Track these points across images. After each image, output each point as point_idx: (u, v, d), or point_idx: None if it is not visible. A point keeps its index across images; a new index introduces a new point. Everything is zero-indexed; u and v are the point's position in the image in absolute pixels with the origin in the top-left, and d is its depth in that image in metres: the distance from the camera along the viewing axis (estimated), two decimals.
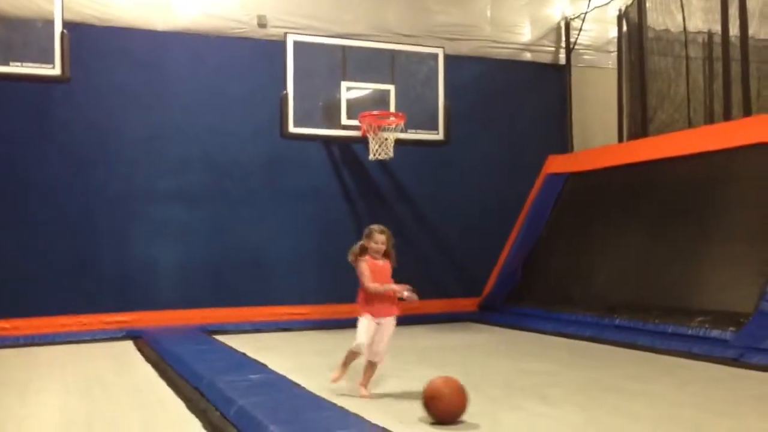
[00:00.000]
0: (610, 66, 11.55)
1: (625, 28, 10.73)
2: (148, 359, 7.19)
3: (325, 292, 10.08)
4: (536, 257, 10.54)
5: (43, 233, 8.93)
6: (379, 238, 5.32)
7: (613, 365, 6.70)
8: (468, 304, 10.70)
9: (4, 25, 7.95)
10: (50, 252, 8.93)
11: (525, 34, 11.60)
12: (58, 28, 8.08)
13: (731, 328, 6.97)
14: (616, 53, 11.07)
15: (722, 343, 6.85)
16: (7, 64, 7.87)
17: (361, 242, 5.33)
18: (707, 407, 4.75)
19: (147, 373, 6.57)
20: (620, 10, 10.77)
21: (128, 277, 9.25)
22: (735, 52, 8.87)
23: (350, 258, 5.37)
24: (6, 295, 8.64)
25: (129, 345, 8.27)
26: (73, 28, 8.35)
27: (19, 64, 7.92)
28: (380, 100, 9.83)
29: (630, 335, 7.80)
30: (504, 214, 10.93)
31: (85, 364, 7.13)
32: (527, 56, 11.61)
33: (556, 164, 10.85)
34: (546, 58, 11.73)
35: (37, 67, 7.99)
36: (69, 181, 9.10)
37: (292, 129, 9.39)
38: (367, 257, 5.28)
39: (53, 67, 8.03)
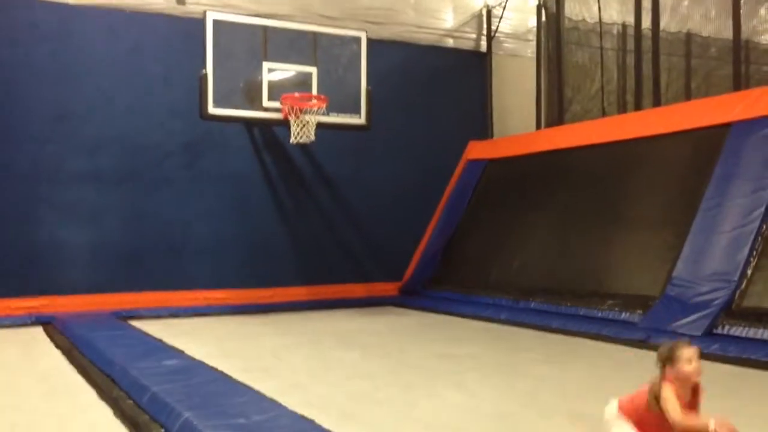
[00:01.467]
0: (529, 55, 11.78)
1: (544, 17, 10.95)
2: (58, 346, 6.93)
3: (244, 276, 9.97)
4: (456, 242, 10.70)
5: None
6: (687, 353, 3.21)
7: (528, 347, 6.88)
8: (389, 288, 10.79)
9: None
10: None
11: (447, 20, 11.69)
12: None
13: (639, 311, 7.28)
14: (535, 42, 11.31)
15: (631, 326, 7.14)
16: None
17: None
18: (616, 388, 4.94)
19: (57, 360, 6.35)
20: (539, 0, 10.98)
21: (37, 260, 8.87)
22: (647, 45, 9.20)
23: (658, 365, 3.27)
24: None
25: (38, 331, 7.96)
26: None
27: None
28: (302, 82, 9.69)
29: (544, 318, 8.02)
30: (425, 199, 11.04)
31: None
32: (449, 43, 11.71)
33: (476, 150, 11.02)
34: (468, 45, 11.86)
35: None
36: None
37: (211, 110, 9.16)
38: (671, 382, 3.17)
39: None
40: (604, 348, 6.75)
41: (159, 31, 9.66)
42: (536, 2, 11.12)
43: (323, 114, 9.48)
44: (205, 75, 9.06)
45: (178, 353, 6.07)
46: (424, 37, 11.41)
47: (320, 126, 9.44)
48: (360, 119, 9.98)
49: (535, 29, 11.41)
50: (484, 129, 11.66)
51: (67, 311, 8.60)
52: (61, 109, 9.12)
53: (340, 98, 9.76)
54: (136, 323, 8.15)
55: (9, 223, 8.79)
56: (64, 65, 9.17)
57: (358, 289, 10.45)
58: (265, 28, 9.58)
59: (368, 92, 9.97)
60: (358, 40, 10.07)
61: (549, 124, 10.60)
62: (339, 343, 7.21)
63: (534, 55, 11.28)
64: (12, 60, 8.84)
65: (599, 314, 7.61)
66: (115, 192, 9.36)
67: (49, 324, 8.14)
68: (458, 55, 11.71)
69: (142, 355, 5.78)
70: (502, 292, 9.06)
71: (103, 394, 4.94)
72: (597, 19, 10.15)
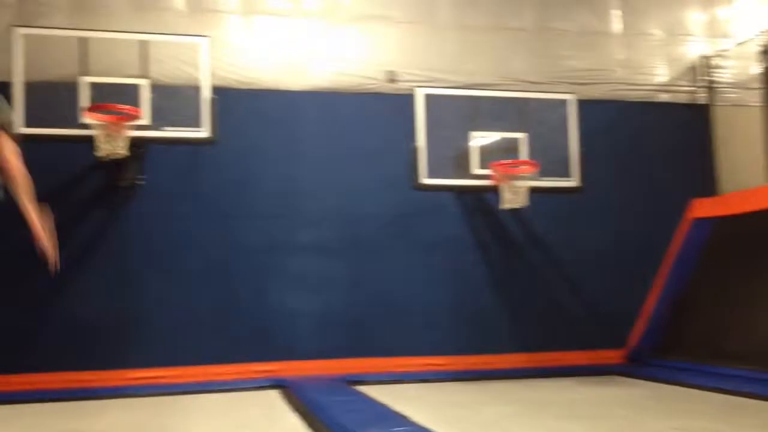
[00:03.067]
0: (753, 104, 10.98)
1: None
2: (294, 409, 7.32)
3: (461, 343, 10.00)
4: (685, 307, 9.99)
5: (191, 284, 9.40)
6: None
7: None
8: (612, 356, 10.27)
9: (158, 92, 8.55)
10: (198, 303, 9.38)
11: (660, 74, 11.27)
12: (206, 94, 8.61)
13: None
14: (760, 90, 10.54)
15: None
16: (162, 128, 8.44)
17: None
18: None
19: (294, 422, 6.70)
20: (763, 46, 10.28)
21: (270, 327, 9.53)
22: None
23: None
24: (162, 345, 9.14)
25: (276, 394, 8.47)
26: (218, 92, 8.87)
27: (172, 128, 8.48)
28: (511, 148, 9.77)
29: None
30: (645, 261, 10.50)
31: (236, 412, 7.36)
32: (664, 97, 11.25)
33: (701, 208, 10.33)
34: (683, 99, 11.31)
35: (188, 131, 8.52)
36: (214, 235, 9.56)
37: (424, 180, 9.48)
38: None
39: (202, 131, 8.54)
40: None
41: (373, 108, 10.22)
42: (759, 48, 10.41)
43: (534, 179, 9.44)
44: (417, 147, 9.41)
45: (405, 420, 6.16)
46: (635, 94, 11.07)
47: (532, 190, 9.41)
48: (572, 181, 9.82)
49: (758, 76, 10.65)
50: (706, 185, 10.94)
51: (300, 375, 9.11)
52: (288, 187, 9.87)
53: (550, 161, 9.69)
54: (362, 388, 8.42)
55: (248, 293, 9.56)
56: (289, 146, 9.96)
57: (578, 357, 10.06)
58: (472, 99, 9.83)
59: (580, 154, 9.80)
60: (566, 102, 10.01)
61: None
62: (563, 414, 6.94)
63: (760, 104, 10.50)
64: (245, 146, 9.75)
65: None
66: (337, 262, 9.88)
67: (284, 387, 8.63)
68: (673, 109, 11.19)
69: (372, 421, 5.94)
70: (744, 362, 8.27)
71: None
72: None
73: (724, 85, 11.29)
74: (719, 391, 7.92)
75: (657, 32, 11.34)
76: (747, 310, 8.90)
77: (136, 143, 8.39)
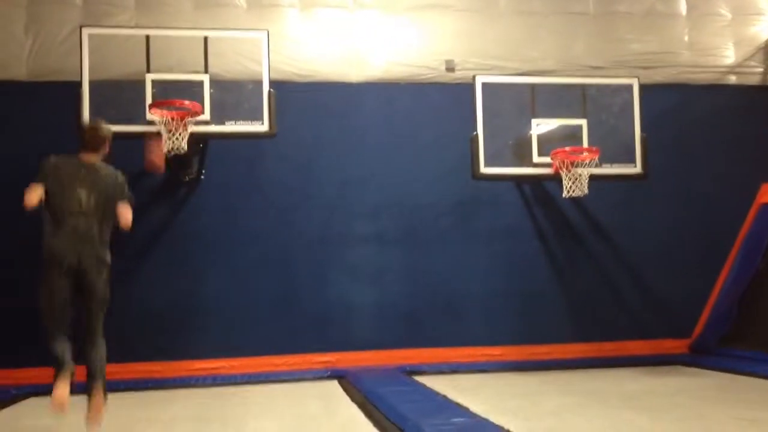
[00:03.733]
0: None
1: None
2: (353, 399, 7.42)
3: (519, 333, 9.92)
4: (753, 294, 9.67)
5: (251, 276, 9.58)
6: None
7: None
8: (676, 345, 10.04)
9: (218, 87, 8.71)
10: (257, 294, 9.55)
11: (728, 56, 10.87)
12: (265, 87, 8.73)
13: None
14: None
15: None
16: (222, 123, 8.61)
17: None
18: None
19: (353, 412, 6.79)
20: None
21: (328, 318, 9.65)
22: None
23: None
24: (224, 336, 9.37)
25: (334, 384, 8.59)
26: (277, 86, 8.96)
27: (233, 123, 8.63)
28: (572, 135, 9.58)
29: None
30: (711, 248, 10.21)
31: (296, 402, 7.51)
32: (732, 79, 10.86)
33: None
34: (754, 80, 10.89)
35: (248, 125, 8.66)
36: (273, 227, 9.71)
37: (483, 169, 9.39)
38: None
39: (262, 124, 8.66)
40: None
41: (431, 98, 10.19)
42: None
43: (596, 166, 9.26)
44: (476, 136, 9.35)
45: (464, 410, 6.18)
46: (701, 77, 10.71)
47: (593, 178, 9.21)
48: (635, 168, 9.57)
49: None
50: None
51: (358, 365, 9.22)
52: (346, 177, 9.95)
53: (612, 148, 9.46)
54: (420, 378, 8.47)
55: (307, 284, 9.70)
56: (348, 137, 10.03)
57: (641, 346, 9.87)
58: (532, 86, 9.67)
59: (643, 139, 9.57)
60: (629, 87, 9.75)
61: None
62: (626, 405, 6.83)
63: None
64: (304, 139, 9.86)
65: None
66: (394, 252, 9.92)
67: (343, 378, 8.75)
68: (743, 92, 10.79)
69: (431, 411, 5.98)
70: None
71: None
72: None
73: None
74: None
75: (724, 12, 10.95)
76: None
77: (197, 138, 8.58)
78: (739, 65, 10.89)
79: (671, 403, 6.87)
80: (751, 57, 10.92)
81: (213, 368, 9.12)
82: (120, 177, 5.87)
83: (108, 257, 5.69)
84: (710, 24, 10.89)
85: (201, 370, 9.09)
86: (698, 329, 10.03)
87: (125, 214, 5.72)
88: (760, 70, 10.96)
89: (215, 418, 6.71)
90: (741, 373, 8.42)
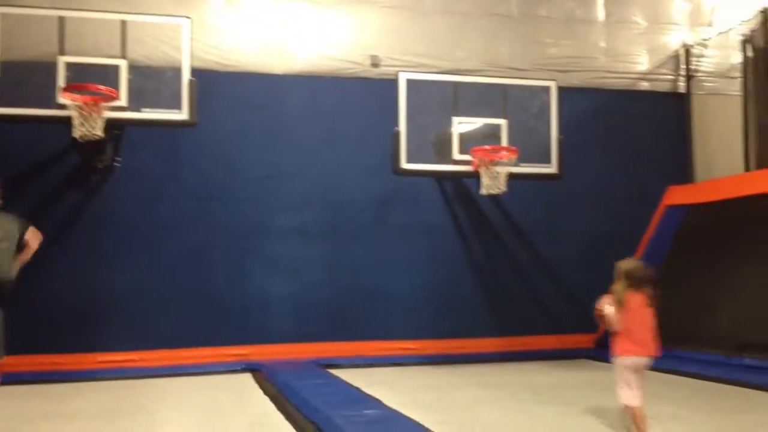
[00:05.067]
0: (734, 93, 11.05)
1: (749, 52, 10.25)
2: (266, 392, 7.38)
3: (437, 327, 10.08)
4: (656, 293, 10.09)
5: (168, 268, 9.41)
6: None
7: (743, 409, 6.31)
8: (583, 340, 10.39)
9: (137, 73, 8.49)
10: (174, 286, 9.39)
11: (642, 63, 11.31)
12: (186, 76, 8.56)
13: None
14: (740, 79, 10.59)
15: None
16: (139, 110, 8.40)
17: None
18: None
19: (265, 405, 6.76)
20: (744, 35, 10.32)
21: (246, 310, 9.57)
22: None
23: None
24: (135, 328, 9.16)
25: (248, 377, 8.53)
26: (198, 74, 8.80)
27: (150, 110, 8.43)
28: (492, 134, 9.77)
29: (762, 376, 7.32)
30: (620, 247, 10.42)
31: (207, 395, 7.42)
32: (644, 85, 11.30)
33: (676, 196, 10.41)
34: (664, 87, 11.38)
35: (167, 113, 8.47)
36: (192, 218, 9.56)
37: (404, 165, 9.48)
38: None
39: (181, 113, 8.49)
40: None
41: (355, 93, 10.22)
42: (740, 38, 10.45)
43: (514, 165, 9.47)
44: (398, 132, 9.42)
45: (377, 403, 6.24)
46: (616, 82, 11.12)
47: (511, 176, 9.42)
48: (551, 168, 9.85)
49: (739, 65, 10.70)
50: (683, 173, 11.03)
51: (273, 359, 9.15)
52: (269, 169, 9.87)
53: (530, 148, 9.70)
54: (336, 371, 8.49)
55: (226, 277, 9.59)
56: (272, 130, 9.96)
57: (551, 341, 10.17)
58: (455, 84, 9.80)
59: (559, 141, 9.84)
60: (547, 89, 10.00)
61: (759, 166, 9.79)
62: (535, 398, 7.05)
63: (739, 93, 10.56)
64: (226, 129, 9.74)
65: None
66: (315, 245, 9.91)
67: (257, 371, 8.69)
68: (654, 98, 11.26)
69: (344, 404, 6.01)
70: (710, 347, 8.41)
71: None
72: None
73: (704, 75, 11.35)
74: (686, 375, 8.05)
75: (639, 20, 11.36)
76: (715, 295, 9.01)
77: (113, 124, 8.35)
78: (651, 72, 11.34)
79: (577, 396, 7.11)
80: (662, 65, 11.39)
81: (122, 361, 8.90)
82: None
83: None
84: (626, 31, 11.29)
85: (110, 362, 8.86)
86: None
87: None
88: (671, 77, 11.44)
89: (121, 412, 6.57)
90: None
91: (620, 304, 4.95)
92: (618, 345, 4.96)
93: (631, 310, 4.94)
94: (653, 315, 4.99)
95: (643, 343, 4.93)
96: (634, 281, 5.03)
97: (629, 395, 4.90)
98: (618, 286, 5.06)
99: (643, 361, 4.96)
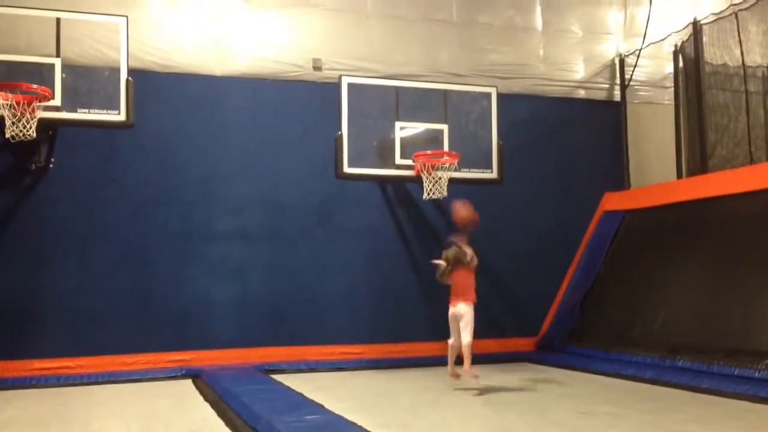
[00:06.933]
0: (666, 102, 11.44)
1: (681, 63, 10.62)
2: (206, 398, 7.27)
3: (379, 331, 10.09)
4: (594, 296, 10.37)
5: (105, 271, 9.19)
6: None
7: (676, 408, 6.51)
8: (524, 343, 10.56)
9: (72, 73, 8.27)
10: (112, 290, 9.17)
11: (578, 71, 11.60)
12: (123, 76, 8.38)
13: None
14: (672, 89, 10.97)
15: None
16: (75, 110, 8.18)
17: None
18: None
19: (206, 412, 6.65)
20: (676, 46, 10.69)
21: (187, 315, 9.41)
22: None
23: None
24: (70, 334, 8.90)
25: (188, 384, 8.39)
26: (136, 75, 8.64)
27: (86, 110, 8.22)
28: (434, 139, 9.87)
29: (693, 377, 7.57)
30: (559, 252, 10.80)
31: (145, 402, 7.26)
32: (581, 93, 11.59)
33: (613, 201, 10.71)
34: (600, 95, 11.69)
35: (103, 114, 8.28)
36: (130, 221, 9.37)
37: (346, 169, 9.49)
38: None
39: (118, 113, 8.31)
40: (763, 411, 6.28)
41: (297, 96, 10.17)
42: (672, 48, 10.82)
43: (455, 170, 9.57)
44: (341, 136, 9.42)
45: (319, 408, 6.21)
46: (554, 89, 11.37)
47: (452, 181, 9.53)
48: (492, 174, 10.00)
49: (671, 75, 11.08)
50: (619, 180, 11.34)
51: (214, 365, 9.03)
52: (209, 172, 9.73)
53: (471, 153, 9.84)
54: (278, 377, 8.42)
55: (165, 281, 9.41)
56: (211, 131, 9.82)
57: (492, 345, 10.27)
58: (397, 89, 9.87)
59: (500, 147, 9.99)
60: (488, 95, 10.16)
61: (691, 173, 10.15)
62: (477, 399, 7.13)
63: (671, 102, 10.93)
64: (165, 131, 9.58)
65: (756, 374, 7.08)
66: (257, 249, 9.82)
67: (198, 377, 8.55)
68: (591, 106, 11.55)
69: (285, 409, 5.96)
70: (646, 350, 8.64)
71: None
72: (739, 63, 9.72)
73: (638, 84, 11.70)
74: (623, 377, 8.27)
75: (576, 29, 11.65)
76: (650, 299, 9.28)
77: (47, 125, 8.11)
78: (587, 80, 11.64)
79: (517, 398, 7.22)
80: (598, 73, 11.70)
81: (57, 368, 8.64)
82: None
83: None
84: (563, 40, 11.55)
85: (44, 369, 8.59)
86: (544, 328, 10.60)
87: None
88: (606, 86, 11.76)
89: (56, 420, 6.37)
90: (580, 369, 9.01)
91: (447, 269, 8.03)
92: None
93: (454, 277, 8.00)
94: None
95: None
96: (456, 262, 8.03)
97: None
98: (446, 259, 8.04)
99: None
